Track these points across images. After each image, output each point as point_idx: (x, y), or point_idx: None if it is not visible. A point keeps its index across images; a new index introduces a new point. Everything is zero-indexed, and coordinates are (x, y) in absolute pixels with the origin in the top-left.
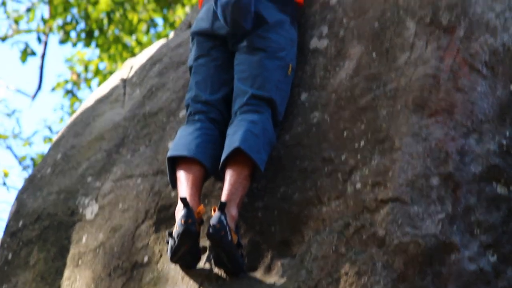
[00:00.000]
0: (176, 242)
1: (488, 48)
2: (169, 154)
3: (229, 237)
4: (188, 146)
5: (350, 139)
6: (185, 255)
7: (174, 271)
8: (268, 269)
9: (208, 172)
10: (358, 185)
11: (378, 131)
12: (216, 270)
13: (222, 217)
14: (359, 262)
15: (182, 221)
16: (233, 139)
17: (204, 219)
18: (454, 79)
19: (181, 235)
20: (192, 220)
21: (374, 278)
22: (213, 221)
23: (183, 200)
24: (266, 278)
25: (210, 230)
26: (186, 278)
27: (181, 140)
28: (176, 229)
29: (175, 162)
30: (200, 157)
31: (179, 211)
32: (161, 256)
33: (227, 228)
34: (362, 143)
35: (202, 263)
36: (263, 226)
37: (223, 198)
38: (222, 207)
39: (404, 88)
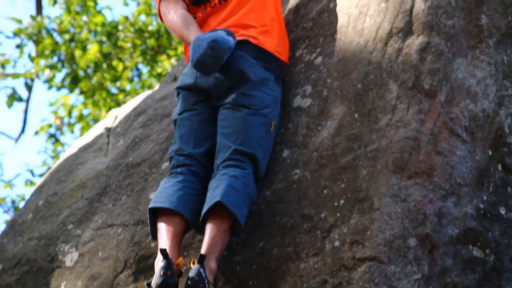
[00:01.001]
0: None
1: (468, 114)
2: (150, 205)
3: None
4: (170, 198)
5: (330, 197)
6: None
7: None
8: None
9: (189, 225)
10: (337, 243)
11: (358, 191)
12: None
13: (201, 270)
14: None
15: (161, 273)
16: (214, 193)
17: (183, 271)
18: (434, 142)
19: (160, 287)
20: (171, 272)
21: None
22: (192, 273)
23: (163, 251)
24: None
25: (189, 282)
26: None
27: (163, 192)
28: (155, 280)
29: (156, 214)
30: (182, 209)
31: (159, 262)
32: None
33: (206, 281)
34: (342, 201)
35: None
36: (241, 280)
37: (203, 251)
38: (202, 260)
39: (385, 149)
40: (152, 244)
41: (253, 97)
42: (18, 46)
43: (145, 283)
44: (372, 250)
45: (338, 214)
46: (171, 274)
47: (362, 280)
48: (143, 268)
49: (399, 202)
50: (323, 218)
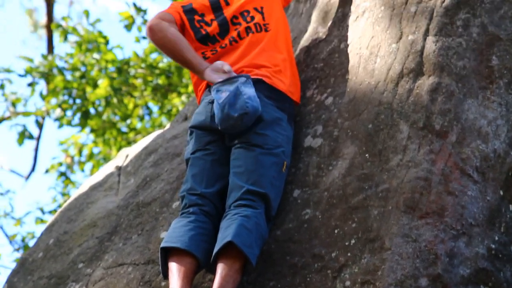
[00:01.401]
0: None
1: (479, 154)
2: (162, 244)
3: None
4: (182, 238)
5: (341, 236)
6: None
7: None
8: None
9: (200, 265)
10: (348, 283)
11: (369, 231)
12: None
13: None
14: None
15: None
16: (226, 233)
17: None
18: (445, 182)
19: None
20: None
21: None
22: None
23: None
24: None
25: None
26: None
27: (175, 231)
28: None
29: (167, 253)
30: (193, 249)
31: None
32: None
33: None
34: (353, 241)
35: None
36: None
37: None
38: None
39: (396, 189)
40: (163, 283)
41: (266, 136)
42: (30, 85)
43: None
44: None
45: (349, 254)
46: None
47: None
48: None
49: (410, 242)
50: (334, 258)
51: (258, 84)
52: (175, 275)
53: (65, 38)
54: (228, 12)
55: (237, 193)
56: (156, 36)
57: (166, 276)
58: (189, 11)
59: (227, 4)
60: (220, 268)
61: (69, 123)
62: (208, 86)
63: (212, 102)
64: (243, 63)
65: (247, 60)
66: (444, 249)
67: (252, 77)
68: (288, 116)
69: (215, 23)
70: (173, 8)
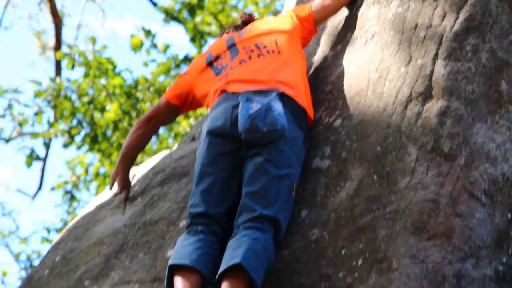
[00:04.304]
0: None
1: (487, 177)
2: (171, 262)
3: None
4: (191, 256)
5: (348, 257)
6: None
7: None
8: None
9: (205, 284)
10: None
11: (376, 251)
12: None
13: None
14: None
15: None
16: (234, 253)
17: None
18: (453, 205)
19: None
20: None
21: None
22: None
23: None
24: None
25: None
26: None
27: (184, 249)
28: None
29: (173, 269)
30: (201, 267)
31: None
32: None
33: None
34: (360, 261)
35: None
36: None
37: None
38: None
39: (404, 210)
40: None
41: (283, 153)
42: (36, 114)
43: None
44: None
45: (356, 274)
46: None
47: None
48: None
49: (418, 263)
50: (341, 278)
51: (283, 98)
52: None
53: (72, 66)
54: (240, 43)
55: (248, 215)
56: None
57: None
58: (211, 63)
59: (240, 36)
60: (225, 287)
61: (79, 147)
62: (224, 90)
63: (236, 107)
64: (261, 76)
65: (265, 73)
66: (452, 270)
67: (276, 89)
68: (304, 136)
69: (228, 53)
70: (181, 79)
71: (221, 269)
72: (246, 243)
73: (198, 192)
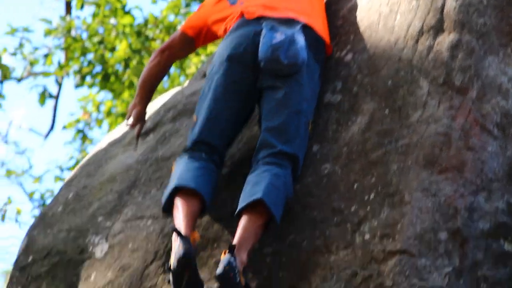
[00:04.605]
0: (176, 269)
1: (499, 110)
2: (176, 183)
3: (238, 279)
4: (196, 179)
5: (360, 191)
6: (188, 286)
7: None
8: None
9: (203, 211)
10: (367, 236)
11: (388, 185)
12: None
13: (232, 259)
14: None
15: (181, 247)
16: (255, 189)
17: (213, 262)
18: (465, 138)
19: (180, 261)
20: (190, 248)
21: None
22: (223, 262)
23: (178, 232)
24: None
25: (219, 271)
26: None
27: (189, 173)
28: (175, 256)
29: (175, 191)
30: (204, 193)
31: (175, 241)
32: None
33: (236, 270)
34: (372, 195)
35: None
36: (271, 272)
37: (235, 242)
38: (232, 249)
39: (416, 144)
40: None
41: (302, 86)
42: (46, 56)
43: (166, 268)
44: (402, 243)
45: (368, 208)
46: (189, 249)
47: (393, 273)
48: None
49: (430, 197)
50: (353, 212)
51: (305, 29)
52: (181, 212)
53: (82, 6)
54: None
55: (268, 150)
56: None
57: (166, 210)
58: None
59: None
60: (244, 222)
61: (90, 87)
62: (243, 14)
63: (258, 34)
64: (281, 3)
65: (284, 1)
66: (464, 203)
67: (301, 21)
68: (320, 69)
69: None
70: (197, 12)
71: (242, 204)
72: (266, 179)
73: (205, 118)
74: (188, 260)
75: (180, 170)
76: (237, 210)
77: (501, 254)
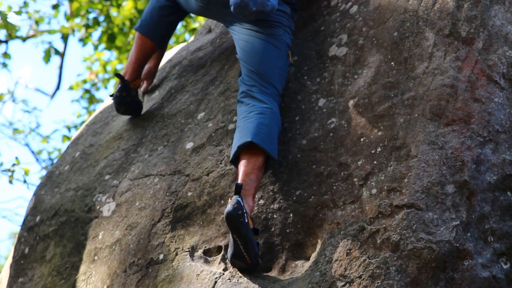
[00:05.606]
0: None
1: (506, 60)
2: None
3: (246, 219)
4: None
5: (367, 145)
6: (127, 111)
7: (189, 269)
8: (282, 270)
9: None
10: (374, 190)
11: (395, 138)
12: (231, 269)
13: (239, 199)
14: (372, 265)
15: (118, 94)
16: (244, 132)
17: (220, 220)
18: (471, 89)
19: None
20: (127, 93)
21: (387, 282)
22: (231, 202)
23: (119, 75)
24: (280, 278)
25: (228, 209)
26: (201, 276)
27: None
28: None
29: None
30: (151, 36)
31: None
32: (176, 254)
33: (244, 210)
34: (379, 149)
35: (217, 263)
36: (279, 228)
37: (239, 181)
38: (239, 189)
39: (422, 97)
40: (189, 194)
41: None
42: (54, 7)
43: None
44: (409, 197)
45: (375, 162)
46: (127, 95)
47: (400, 227)
48: (180, 217)
49: (437, 149)
50: (360, 166)
51: None
52: (133, 54)
53: None
54: None
55: (251, 79)
56: None
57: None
58: None
59: None
60: (243, 166)
61: (96, 48)
62: None
63: None
64: None
65: None
66: (471, 156)
67: None
68: (291, 8)
69: None
70: None
71: (234, 150)
72: (254, 120)
73: None
74: (122, 103)
75: (146, 15)
76: (231, 156)
77: (508, 207)
